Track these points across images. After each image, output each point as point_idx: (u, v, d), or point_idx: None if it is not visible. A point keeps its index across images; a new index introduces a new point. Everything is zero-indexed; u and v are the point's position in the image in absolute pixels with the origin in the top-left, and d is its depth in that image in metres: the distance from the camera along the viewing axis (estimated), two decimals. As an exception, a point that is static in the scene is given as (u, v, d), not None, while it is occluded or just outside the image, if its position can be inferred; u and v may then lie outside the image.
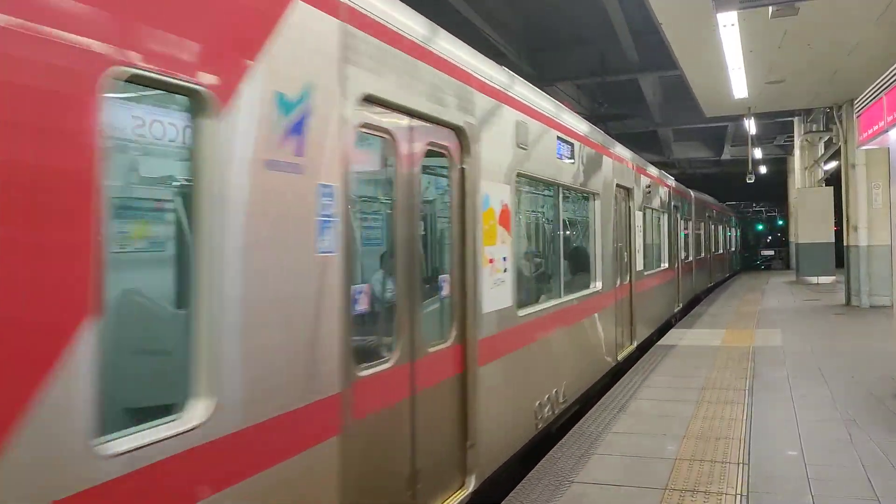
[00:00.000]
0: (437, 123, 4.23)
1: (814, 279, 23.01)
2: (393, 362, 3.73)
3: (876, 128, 7.26)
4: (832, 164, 23.17)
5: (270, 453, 2.73)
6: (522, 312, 5.66)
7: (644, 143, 32.35)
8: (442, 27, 4.49)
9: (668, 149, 34.29)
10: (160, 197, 3.61)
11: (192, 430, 2.36)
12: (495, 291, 5.01)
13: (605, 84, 20.32)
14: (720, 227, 27.49)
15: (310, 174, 2.99)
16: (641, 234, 11.28)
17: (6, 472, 1.79)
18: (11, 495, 1.81)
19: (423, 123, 4.09)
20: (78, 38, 2.01)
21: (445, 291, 4.47)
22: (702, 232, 21.00)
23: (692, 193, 20.06)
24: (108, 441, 2.10)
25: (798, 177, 26.39)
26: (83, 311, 2.01)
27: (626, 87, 22.14)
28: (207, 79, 2.46)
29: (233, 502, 2.51)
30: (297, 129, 2.92)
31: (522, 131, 5.68)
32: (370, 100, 3.47)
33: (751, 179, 25.83)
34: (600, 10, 15.96)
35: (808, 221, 22.51)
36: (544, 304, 6.55)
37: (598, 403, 7.37)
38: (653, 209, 12.84)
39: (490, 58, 5.38)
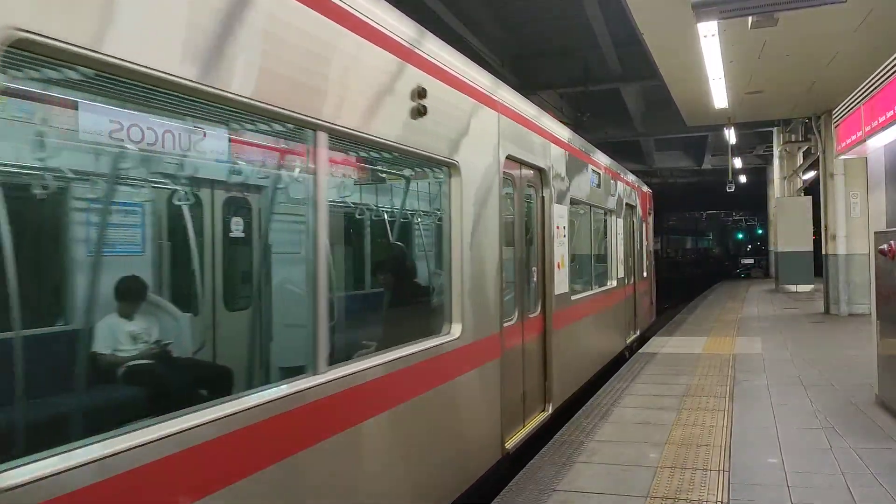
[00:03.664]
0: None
1: (793, 287, 23.23)
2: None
3: (854, 137, 7.34)
4: (811, 174, 23.45)
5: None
6: None
7: (626, 152, 32.62)
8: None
9: (649, 158, 34.58)
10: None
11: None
12: None
13: (588, 93, 20.46)
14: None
15: None
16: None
17: None
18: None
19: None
20: None
21: None
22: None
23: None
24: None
25: (777, 186, 26.69)
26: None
27: (608, 96, 22.30)
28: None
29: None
30: None
31: None
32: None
33: (731, 188, 26.14)
34: (583, 20, 16.09)
35: (788, 230, 22.74)
36: None
37: (580, 411, 7.36)
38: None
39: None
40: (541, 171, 6.85)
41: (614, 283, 10.76)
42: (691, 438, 6.15)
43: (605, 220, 10.67)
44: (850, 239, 16.21)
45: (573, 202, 8.17)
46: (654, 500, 4.72)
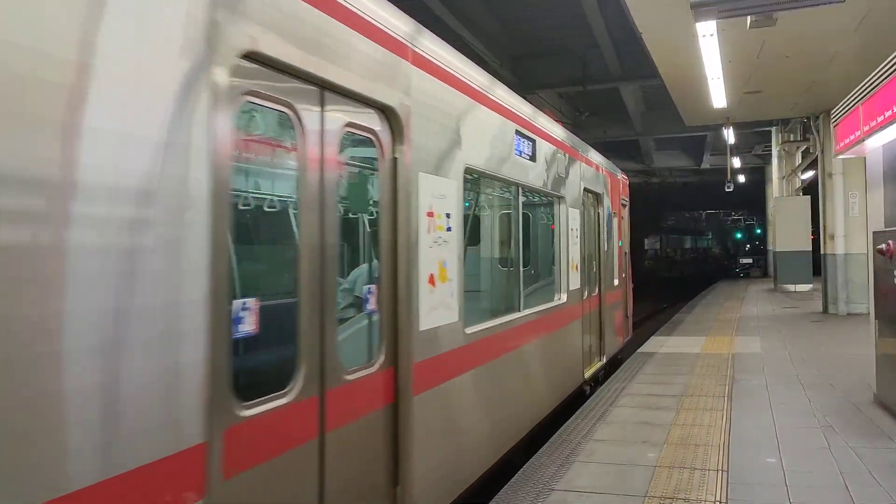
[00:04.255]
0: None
1: (792, 287, 23.27)
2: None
3: (852, 137, 7.35)
4: (809, 174, 23.48)
5: None
6: None
7: (625, 151, 32.66)
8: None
9: (648, 158, 34.60)
10: None
11: None
12: None
13: (587, 93, 20.49)
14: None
15: None
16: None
17: None
18: None
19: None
20: None
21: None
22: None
23: None
24: None
25: (776, 186, 26.73)
26: None
27: (607, 96, 22.32)
28: None
29: None
30: None
31: None
32: None
33: (729, 188, 26.21)
34: (582, 19, 16.10)
35: (786, 230, 22.77)
36: None
37: (579, 411, 7.36)
38: None
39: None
40: (387, 113, 3.90)
41: (563, 297, 7.76)
42: (690, 438, 6.15)
43: (551, 211, 8.04)
44: (849, 238, 16.25)
45: (475, 176, 5.58)
46: (653, 499, 4.72)
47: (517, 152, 6.24)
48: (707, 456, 5.63)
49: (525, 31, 18.09)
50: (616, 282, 11.35)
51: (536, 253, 8.02)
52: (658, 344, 12.18)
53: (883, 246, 6.75)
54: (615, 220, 11.43)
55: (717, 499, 4.70)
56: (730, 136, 21.07)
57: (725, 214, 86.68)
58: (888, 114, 6.09)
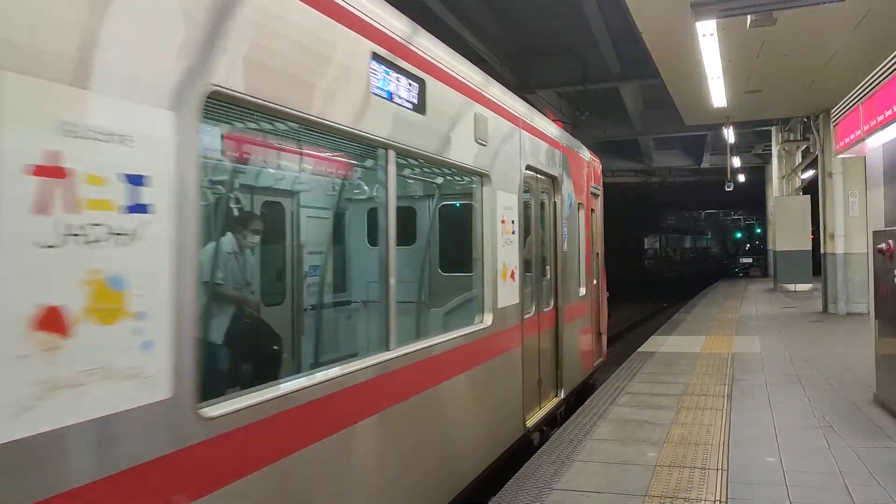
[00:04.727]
0: None
1: (791, 286, 23.25)
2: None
3: (853, 136, 7.34)
4: (809, 173, 23.47)
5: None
6: None
7: (625, 151, 32.66)
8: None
9: (648, 157, 34.58)
10: None
11: None
12: None
13: (587, 92, 20.47)
14: None
15: None
16: None
17: None
18: None
19: None
20: None
21: None
22: None
23: None
24: None
25: (776, 185, 26.71)
26: None
27: (607, 95, 22.31)
28: None
29: None
30: None
31: None
32: None
33: (729, 188, 26.21)
34: (582, 19, 16.09)
35: (786, 229, 22.74)
36: None
37: (579, 410, 7.36)
38: None
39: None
40: None
41: (487, 319, 5.51)
42: (689, 437, 6.15)
43: (469, 195, 5.92)
44: (849, 238, 16.24)
45: (256, 117, 3.59)
46: (653, 498, 4.72)
47: (380, 92, 3.88)
48: (707, 455, 5.63)
49: (525, 30, 18.08)
50: (582, 291, 8.92)
51: (434, 255, 6.09)
52: (658, 343, 12.18)
53: (883, 245, 6.75)
54: (581, 213, 8.98)
55: (717, 498, 4.70)
56: (730, 135, 21.07)
57: (725, 214, 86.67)
58: (888, 113, 6.09)
